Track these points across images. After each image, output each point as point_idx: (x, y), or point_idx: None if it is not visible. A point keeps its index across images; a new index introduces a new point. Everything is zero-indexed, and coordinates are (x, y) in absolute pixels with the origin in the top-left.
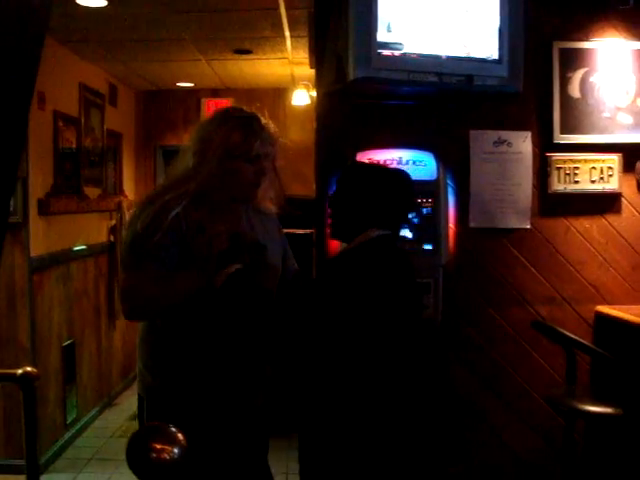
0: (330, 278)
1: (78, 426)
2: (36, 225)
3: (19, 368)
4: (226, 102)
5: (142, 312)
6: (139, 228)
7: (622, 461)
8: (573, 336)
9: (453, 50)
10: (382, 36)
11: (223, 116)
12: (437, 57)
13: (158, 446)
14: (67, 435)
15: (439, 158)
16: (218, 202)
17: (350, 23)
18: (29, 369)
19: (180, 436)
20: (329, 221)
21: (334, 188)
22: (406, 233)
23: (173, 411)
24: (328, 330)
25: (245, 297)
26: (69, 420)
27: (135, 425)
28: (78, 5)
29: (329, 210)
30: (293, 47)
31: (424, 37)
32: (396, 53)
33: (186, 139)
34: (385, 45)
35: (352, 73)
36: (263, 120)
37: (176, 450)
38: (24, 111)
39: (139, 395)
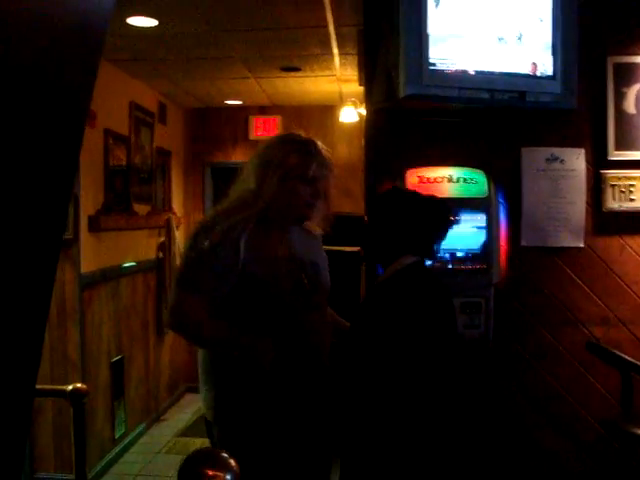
0: (371, 311)
1: (126, 441)
2: (86, 242)
3: (69, 384)
4: (274, 119)
5: (187, 338)
6: (207, 247)
7: None
8: (629, 358)
9: (505, 66)
10: (433, 53)
11: (282, 139)
12: (489, 73)
13: (210, 472)
14: (115, 450)
15: (490, 175)
16: (275, 222)
17: (401, 39)
18: (79, 385)
19: (232, 462)
20: (365, 244)
21: (370, 213)
22: (458, 252)
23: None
24: (375, 362)
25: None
26: (117, 435)
27: (182, 442)
28: (129, 25)
29: (365, 233)
30: (341, 64)
31: (475, 53)
32: (447, 69)
33: (235, 156)
34: (436, 62)
35: (403, 90)
36: (320, 145)
37: (228, 477)
38: (79, 131)
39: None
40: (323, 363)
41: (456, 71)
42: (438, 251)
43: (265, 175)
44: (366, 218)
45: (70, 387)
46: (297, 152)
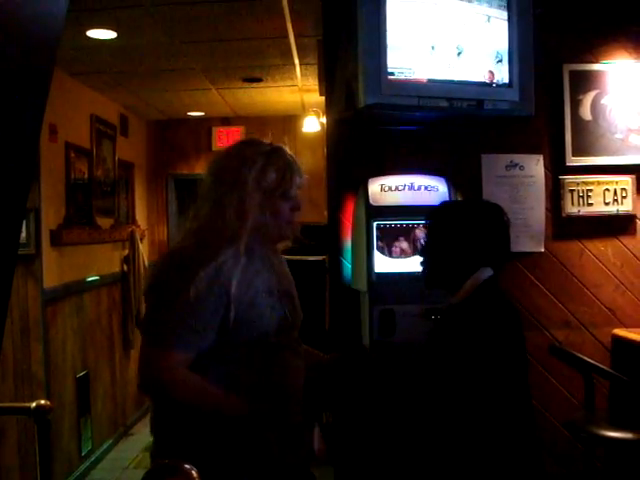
0: (456, 329)
1: (93, 458)
2: (49, 256)
3: (33, 401)
4: (237, 130)
5: (164, 399)
6: (192, 297)
7: None
8: (591, 360)
9: (463, 74)
10: (392, 62)
11: (250, 153)
12: (447, 82)
13: None
14: (82, 467)
15: (451, 183)
16: (255, 250)
17: (359, 50)
18: (42, 402)
19: (194, 474)
20: (423, 270)
21: (427, 233)
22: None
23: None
24: (468, 385)
25: None
26: (84, 452)
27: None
28: (88, 37)
29: (421, 258)
30: (302, 74)
31: (433, 62)
32: (406, 79)
33: (198, 168)
34: (395, 71)
35: (362, 100)
36: (288, 150)
37: None
38: (34, 143)
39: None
40: (299, 403)
41: (415, 80)
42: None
43: (244, 199)
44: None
45: (34, 404)
46: (274, 166)
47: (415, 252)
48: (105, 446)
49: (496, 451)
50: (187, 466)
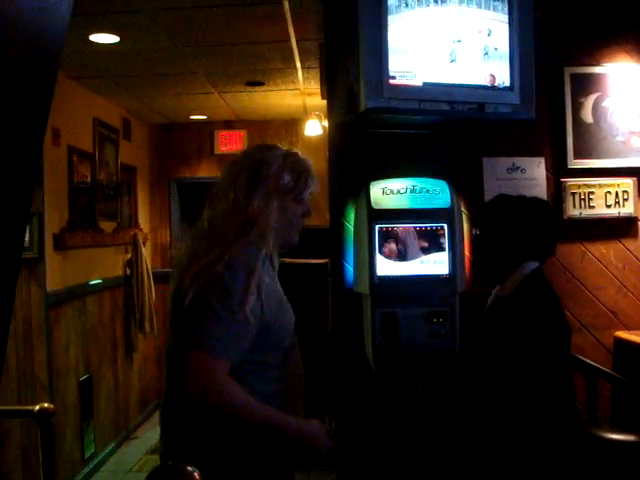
0: (508, 321)
1: (96, 461)
2: (52, 260)
3: (36, 404)
4: (239, 134)
5: (213, 407)
6: (235, 307)
7: None
8: (593, 363)
9: (464, 78)
10: (393, 66)
11: (264, 155)
12: (448, 85)
13: None
14: (85, 470)
15: (453, 186)
16: (271, 252)
17: (361, 54)
18: (46, 405)
19: (197, 476)
20: (474, 259)
21: (480, 224)
22: (422, 261)
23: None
24: (522, 374)
25: None
26: (87, 455)
27: (153, 459)
28: (91, 42)
29: (472, 250)
30: (304, 78)
31: (435, 66)
32: (407, 83)
33: (200, 171)
34: (396, 75)
35: (363, 103)
36: (302, 155)
37: None
38: (37, 147)
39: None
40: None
41: (416, 84)
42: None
43: (265, 198)
44: (474, 231)
45: (37, 407)
46: (289, 167)
47: (417, 255)
48: (108, 449)
49: (547, 444)
50: (190, 468)
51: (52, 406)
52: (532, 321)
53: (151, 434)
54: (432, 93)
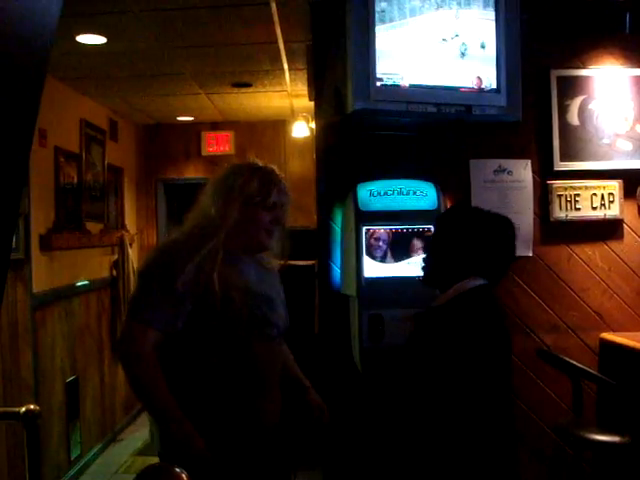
0: (431, 332)
1: (82, 463)
2: (38, 261)
3: (22, 406)
4: (227, 135)
5: (129, 372)
6: (179, 286)
7: None
8: (578, 364)
9: (451, 80)
10: (380, 68)
11: (241, 166)
12: (435, 88)
13: None
14: (71, 472)
15: (440, 187)
16: (233, 252)
17: (348, 56)
18: (32, 407)
19: (184, 477)
20: (422, 266)
21: (435, 231)
22: (405, 264)
23: None
24: (429, 386)
25: None
26: (73, 457)
27: (140, 461)
28: (78, 43)
29: (425, 254)
30: (292, 80)
31: (422, 68)
32: (395, 85)
33: (187, 172)
34: (383, 77)
35: (351, 105)
36: (278, 172)
37: None
38: (26, 148)
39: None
40: (271, 395)
41: (403, 86)
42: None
43: (226, 203)
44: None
45: (23, 409)
46: (258, 179)
47: (403, 257)
48: (94, 451)
49: (470, 455)
50: (177, 469)
51: (38, 407)
52: (451, 336)
53: (137, 435)
54: (419, 95)
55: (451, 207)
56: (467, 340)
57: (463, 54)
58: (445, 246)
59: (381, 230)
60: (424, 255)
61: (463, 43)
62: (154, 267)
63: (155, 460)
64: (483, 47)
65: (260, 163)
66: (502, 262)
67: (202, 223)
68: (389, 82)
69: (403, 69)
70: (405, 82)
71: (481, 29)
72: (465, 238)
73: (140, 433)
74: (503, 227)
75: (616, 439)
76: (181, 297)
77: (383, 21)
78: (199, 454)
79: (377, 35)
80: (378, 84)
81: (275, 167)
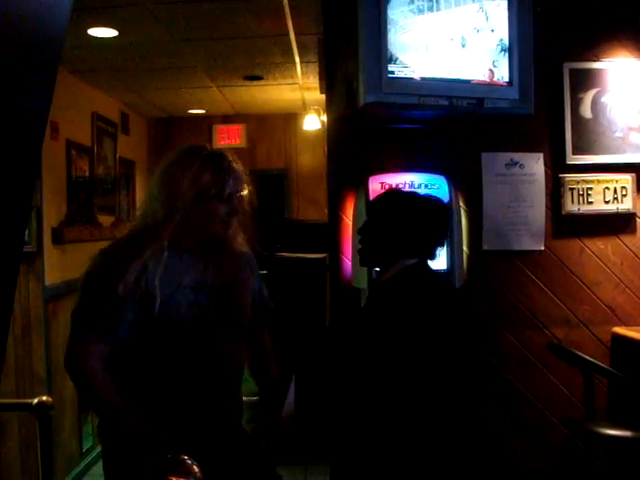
0: (370, 315)
1: (94, 454)
2: (50, 254)
3: (35, 397)
4: (238, 128)
5: (78, 385)
6: (120, 292)
7: None
8: (590, 358)
9: (463, 73)
10: (392, 61)
11: (188, 155)
12: (447, 80)
13: (174, 479)
14: (83, 463)
15: (451, 181)
16: (185, 248)
17: (360, 48)
18: (44, 398)
19: (196, 468)
20: (359, 248)
21: (367, 216)
22: None
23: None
24: (373, 365)
25: None
26: (85, 448)
27: None
28: (89, 36)
29: (359, 237)
30: (303, 73)
31: (434, 61)
32: (406, 77)
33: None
34: (395, 70)
35: (362, 98)
36: (230, 157)
37: None
38: (38, 142)
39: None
40: (224, 400)
41: (415, 79)
42: (438, 253)
43: (175, 197)
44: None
45: (35, 400)
46: (210, 169)
47: None
48: None
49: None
50: (189, 461)
51: (50, 399)
52: (390, 313)
53: None
54: (431, 88)
55: (382, 193)
56: (408, 316)
57: (476, 46)
58: (378, 230)
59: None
60: (359, 237)
61: (476, 36)
62: (92, 276)
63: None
64: (496, 40)
65: (208, 147)
66: (431, 241)
67: (147, 221)
68: (400, 75)
69: (415, 61)
70: (417, 75)
71: (494, 21)
72: (396, 221)
73: None
74: (429, 208)
75: (627, 433)
76: (121, 304)
77: (395, 14)
78: (161, 444)
79: (389, 27)
80: (389, 77)
81: (226, 151)
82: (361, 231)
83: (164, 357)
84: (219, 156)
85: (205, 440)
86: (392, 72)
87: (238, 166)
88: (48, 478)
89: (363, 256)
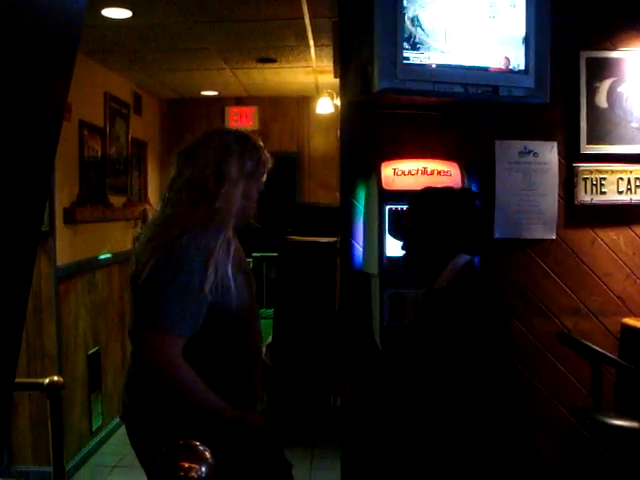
0: (443, 313)
1: (103, 433)
2: (62, 234)
3: (46, 377)
4: (250, 110)
5: (165, 389)
6: (206, 290)
7: None
8: (599, 349)
9: (479, 60)
10: (407, 47)
11: (224, 142)
12: (463, 68)
13: (186, 464)
14: (93, 442)
15: (464, 168)
16: (234, 231)
17: (375, 34)
18: (55, 378)
19: (207, 454)
20: (405, 253)
21: (408, 218)
22: None
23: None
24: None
25: None
26: (95, 427)
27: None
28: (103, 17)
29: (402, 241)
30: (317, 56)
31: (449, 48)
32: (421, 64)
33: None
34: (410, 56)
35: (377, 84)
36: (254, 136)
37: (203, 468)
38: (57, 123)
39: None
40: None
41: (430, 65)
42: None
43: (232, 185)
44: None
45: (47, 380)
46: (249, 151)
47: None
48: (115, 422)
49: (473, 438)
50: (201, 447)
51: (61, 379)
52: (470, 312)
53: None
54: (446, 75)
55: (419, 193)
56: (479, 318)
57: (492, 34)
58: (428, 231)
59: (404, 210)
60: (402, 242)
61: (491, 23)
62: (174, 271)
63: None
64: (512, 27)
65: (239, 131)
66: (478, 234)
67: (210, 211)
68: (416, 61)
69: (431, 48)
70: (432, 62)
71: (511, 8)
72: (445, 219)
73: None
74: (469, 202)
75: (634, 424)
76: (205, 300)
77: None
78: (257, 424)
79: (405, 13)
80: (405, 63)
81: (250, 133)
82: (406, 234)
83: (230, 341)
84: (250, 137)
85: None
86: (407, 58)
87: (260, 141)
88: (59, 457)
89: (413, 260)
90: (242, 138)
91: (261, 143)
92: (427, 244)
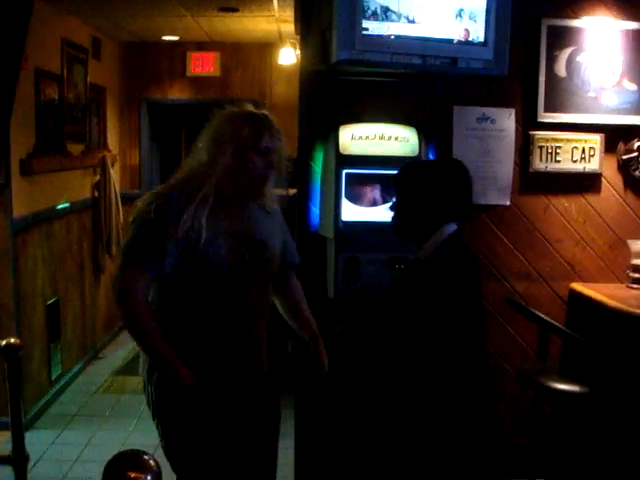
0: (425, 283)
1: (62, 382)
2: (19, 186)
3: (3, 331)
4: (212, 56)
5: (125, 314)
6: (179, 233)
7: (588, 436)
8: (546, 318)
9: (439, 32)
10: (366, 18)
11: (233, 114)
12: (422, 39)
13: (132, 474)
14: (52, 391)
15: (422, 134)
16: (227, 198)
17: (335, 3)
18: (12, 340)
19: (153, 463)
20: (395, 224)
21: (396, 192)
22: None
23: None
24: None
25: None
26: (54, 376)
27: (119, 380)
28: None
29: (392, 212)
30: (279, 6)
31: (409, 19)
32: (380, 35)
33: (172, 93)
34: (369, 27)
35: (335, 55)
36: (270, 117)
37: (149, 478)
38: (14, 74)
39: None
40: (251, 336)
41: (389, 36)
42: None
43: (218, 149)
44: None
45: (4, 342)
46: (249, 124)
47: (383, 202)
48: (75, 370)
49: (452, 402)
50: (146, 456)
51: (18, 341)
52: (445, 285)
53: (118, 354)
54: (405, 46)
55: (404, 167)
56: (461, 290)
57: (451, 5)
58: (414, 201)
59: (360, 174)
60: (392, 212)
61: None
62: (152, 214)
63: (134, 380)
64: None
65: (252, 109)
66: (467, 204)
67: (195, 170)
68: (375, 32)
69: (389, 19)
70: (391, 32)
71: None
72: (432, 189)
73: (121, 351)
74: (461, 172)
75: (575, 389)
76: (177, 243)
77: None
78: (190, 386)
79: None
80: (364, 34)
81: (268, 113)
82: (394, 207)
83: (201, 295)
84: (259, 114)
85: (234, 372)
86: (366, 29)
87: (277, 125)
88: (17, 416)
89: (401, 230)
90: (251, 113)
91: (273, 125)
92: (415, 215)
